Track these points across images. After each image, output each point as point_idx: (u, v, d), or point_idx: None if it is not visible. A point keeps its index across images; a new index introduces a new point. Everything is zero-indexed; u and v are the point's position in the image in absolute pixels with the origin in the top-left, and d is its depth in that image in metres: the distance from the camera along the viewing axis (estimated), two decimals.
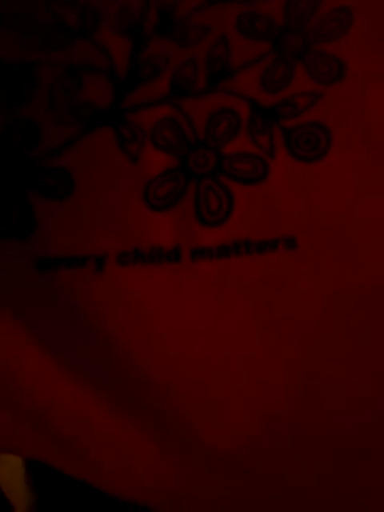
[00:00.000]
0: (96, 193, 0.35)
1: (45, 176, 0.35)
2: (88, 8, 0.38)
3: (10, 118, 0.36)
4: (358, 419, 0.33)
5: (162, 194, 0.34)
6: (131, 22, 0.37)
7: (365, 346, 0.33)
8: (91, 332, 0.34)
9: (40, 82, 0.36)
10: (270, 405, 0.33)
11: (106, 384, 0.34)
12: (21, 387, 0.35)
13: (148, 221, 0.34)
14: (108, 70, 0.36)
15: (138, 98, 0.36)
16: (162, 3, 0.38)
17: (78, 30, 0.38)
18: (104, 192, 0.35)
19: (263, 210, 0.34)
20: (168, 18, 0.37)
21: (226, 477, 0.34)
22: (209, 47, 0.36)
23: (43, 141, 0.35)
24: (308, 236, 0.33)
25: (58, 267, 0.34)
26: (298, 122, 0.35)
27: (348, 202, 0.34)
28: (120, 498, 0.35)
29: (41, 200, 0.35)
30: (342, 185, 0.34)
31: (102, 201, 0.35)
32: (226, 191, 0.34)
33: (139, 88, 0.36)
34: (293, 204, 0.34)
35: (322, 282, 0.33)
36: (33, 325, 0.34)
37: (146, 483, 0.35)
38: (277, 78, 0.36)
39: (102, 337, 0.34)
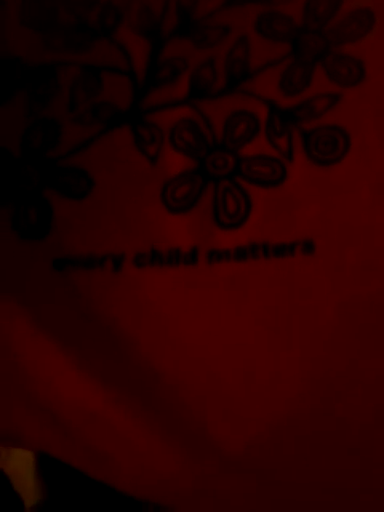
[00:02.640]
0: (114, 193, 0.35)
1: (64, 175, 0.35)
2: (109, 7, 0.38)
3: (31, 119, 0.36)
4: (369, 422, 0.33)
5: (179, 195, 0.35)
6: (151, 22, 0.37)
7: (378, 352, 0.33)
8: (108, 332, 0.34)
9: (61, 82, 0.36)
10: (282, 407, 0.33)
11: (121, 384, 0.35)
12: (38, 384, 0.35)
13: (165, 222, 0.34)
14: (127, 70, 0.36)
15: (156, 98, 0.36)
16: (181, 3, 0.38)
17: (99, 30, 0.38)
18: (122, 192, 0.35)
19: (281, 213, 0.34)
20: (187, 19, 0.37)
21: (238, 477, 0.34)
22: (228, 48, 0.36)
23: (63, 141, 0.36)
24: (325, 240, 0.33)
25: (75, 267, 0.34)
26: (317, 124, 0.35)
27: (365, 206, 0.34)
28: (132, 496, 0.36)
29: (59, 199, 0.35)
30: (359, 188, 0.34)
31: (120, 201, 0.35)
32: (243, 194, 0.34)
33: (158, 89, 0.36)
34: (310, 207, 0.34)
35: (338, 287, 0.33)
36: (51, 324, 0.35)
37: (159, 483, 0.35)
38: (296, 80, 0.35)
39: (119, 337, 0.34)
